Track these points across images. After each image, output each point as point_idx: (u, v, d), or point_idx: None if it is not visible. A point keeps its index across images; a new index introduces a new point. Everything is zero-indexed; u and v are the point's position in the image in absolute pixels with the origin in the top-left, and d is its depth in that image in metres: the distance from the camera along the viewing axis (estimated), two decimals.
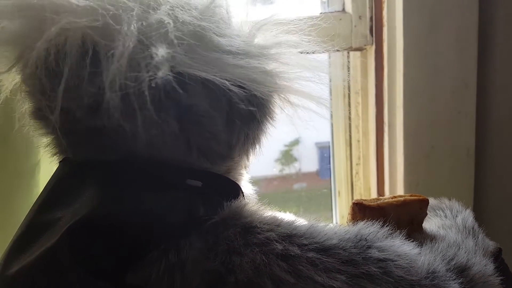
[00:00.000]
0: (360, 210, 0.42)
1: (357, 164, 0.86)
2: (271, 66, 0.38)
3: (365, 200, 0.43)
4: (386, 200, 0.43)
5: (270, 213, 0.37)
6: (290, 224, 0.36)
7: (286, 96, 0.40)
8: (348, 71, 0.84)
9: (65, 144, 0.37)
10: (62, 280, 0.32)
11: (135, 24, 0.33)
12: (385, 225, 0.37)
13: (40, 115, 0.38)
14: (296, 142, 2.04)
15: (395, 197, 0.44)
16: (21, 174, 0.52)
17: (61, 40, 0.33)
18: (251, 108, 0.38)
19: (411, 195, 0.45)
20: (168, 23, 0.33)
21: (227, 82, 0.34)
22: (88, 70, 0.33)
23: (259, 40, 0.39)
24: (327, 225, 0.37)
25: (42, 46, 0.33)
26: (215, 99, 0.36)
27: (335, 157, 0.90)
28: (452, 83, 0.69)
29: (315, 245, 0.34)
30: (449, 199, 0.51)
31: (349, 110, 0.86)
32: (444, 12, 0.67)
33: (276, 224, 0.35)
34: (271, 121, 0.41)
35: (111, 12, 0.33)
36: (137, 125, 0.33)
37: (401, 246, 0.36)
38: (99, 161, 0.37)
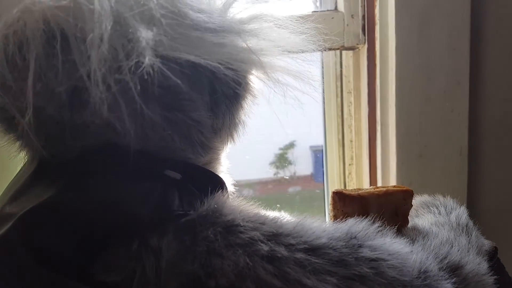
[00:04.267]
0: (340, 199, 0.41)
1: (349, 165, 0.85)
2: (251, 42, 0.36)
3: (346, 190, 0.42)
4: (367, 190, 0.42)
5: (253, 209, 0.35)
6: (275, 221, 0.33)
7: (270, 73, 0.38)
8: (341, 70, 0.83)
9: (35, 144, 0.34)
10: (11, 269, 0.30)
11: (107, 2, 0.30)
12: (372, 219, 0.36)
13: (2, 116, 0.35)
14: (291, 146, 2.03)
15: (377, 187, 0.44)
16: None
17: (21, 26, 0.30)
18: (236, 88, 0.37)
19: (394, 186, 0.45)
20: (140, 2, 0.31)
21: (211, 63, 0.32)
22: (60, 59, 0.30)
23: (234, 13, 0.37)
24: (315, 221, 0.35)
25: (0, 33, 0.30)
26: (196, 80, 0.35)
27: (328, 158, 0.89)
28: (444, 81, 0.69)
29: (303, 245, 0.32)
30: (444, 196, 0.50)
31: (342, 110, 0.85)
32: (436, 10, 0.67)
33: (260, 222, 0.33)
34: (252, 98, 0.40)
35: None
36: (123, 118, 0.31)
37: (392, 244, 0.35)
38: (70, 156, 0.34)
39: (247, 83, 0.39)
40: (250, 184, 1.99)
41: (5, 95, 0.32)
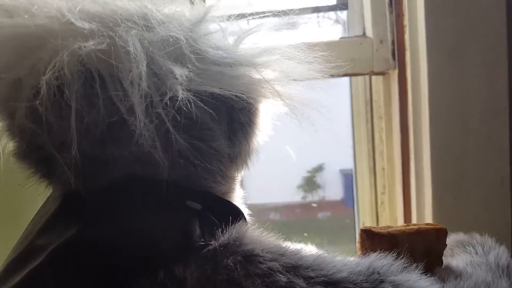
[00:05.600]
0: (369, 238, 0.39)
1: (382, 194, 0.82)
2: (264, 73, 0.38)
3: (375, 227, 0.40)
4: (397, 228, 0.40)
5: (274, 239, 0.35)
6: (295, 253, 0.33)
7: (283, 100, 0.40)
8: (371, 95, 0.81)
9: (63, 178, 0.35)
10: None
11: (139, 44, 0.32)
12: (399, 256, 0.34)
13: (37, 155, 0.36)
14: (319, 168, 1.99)
15: (408, 225, 0.41)
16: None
17: (59, 69, 0.32)
18: (252, 116, 0.40)
19: (426, 224, 0.42)
20: (171, 40, 0.34)
21: (231, 94, 0.35)
22: (101, 97, 0.32)
23: (246, 49, 0.40)
24: (336, 256, 0.35)
25: (47, 77, 0.32)
26: (216, 110, 0.36)
27: (359, 185, 0.86)
28: (481, 108, 0.65)
29: (323, 278, 0.32)
30: (481, 234, 0.47)
31: (372, 136, 0.82)
32: (470, 35, 0.64)
33: (280, 253, 0.33)
34: (261, 125, 0.42)
35: (116, 32, 0.32)
36: (157, 150, 0.33)
37: (417, 281, 0.33)
38: (95, 188, 0.35)
39: (259, 111, 0.41)
40: (277, 208, 1.96)
41: (46, 134, 0.34)
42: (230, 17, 0.41)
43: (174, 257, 0.32)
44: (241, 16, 0.42)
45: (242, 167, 0.42)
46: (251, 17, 0.42)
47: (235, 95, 0.36)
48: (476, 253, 0.45)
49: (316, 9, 0.80)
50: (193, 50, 0.35)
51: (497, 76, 0.64)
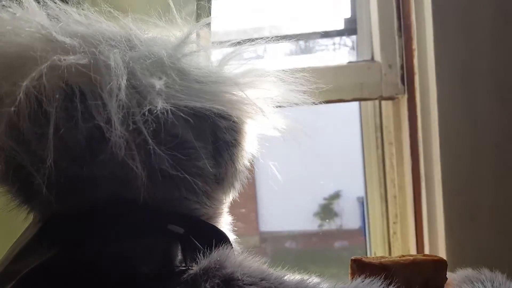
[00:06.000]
0: (359, 268, 0.36)
1: (394, 223, 0.79)
2: (248, 92, 0.38)
3: (367, 257, 0.37)
4: (391, 259, 0.37)
5: (258, 264, 0.34)
6: (277, 278, 0.32)
7: (267, 121, 0.39)
8: (381, 120, 0.79)
9: (43, 202, 0.35)
10: None
11: (120, 60, 0.32)
12: (390, 285, 0.32)
13: (16, 176, 0.35)
14: (336, 196, 1.95)
15: (403, 256, 0.38)
16: None
17: (43, 83, 0.32)
18: (236, 135, 0.39)
19: (424, 255, 0.39)
20: (152, 57, 0.34)
21: (212, 110, 0.35)
22: (79, 110, 0.31)
23: (230, 69, 0.40)
24: (322, 281, 0.33)
25: (25, 89, 0.31)
26: (200, 129, 0.36)
27: (370, 214, 0.83)
28: (495, 135, 0.62)
29: None
30: (496, 268, 0.43)
31: (383, 162, 0.80)
32: (480, 58, 0.62)
33: (261, 278, 0.32)
34: (247, 147, 0.41)
35: (97, 48, 0.32)
36: (136, 162, 0.32)
37: None
38: (75, 211, 0.34)
39: (245, 132, 0.40)
40: (292, 236, 1.92)
41: (24, 152, 0.33)
42: (239, 42, 0.41)
43: (153, 282, 0.30)
44: (250, 41, 0.42)
45: (229, 189, 0.41)
46: (261, 42, 0.42)
47: (220, 115, 0.36)
48: None
49: (326, 34, 0.80)
50: (175, 67, 0.35)
51: (510, 100, 0.62)
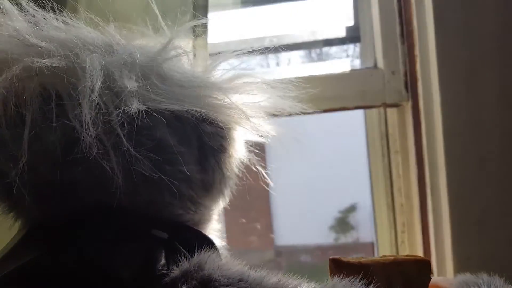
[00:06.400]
0: (337, 268, 0.35)
1: (402, 232, 0.77)
2: (234, 97, 0.37)
3: (345, 257, 0.37)
4: (371, 259, 0.36)
5: (240, 267, 0.33)
6: (255, 279, 0.32)
7: (253, 127, 0.38)
8: (386, 128, 0.78)
9: (26, 208, 0.34)
10: None
11: (97, 63, 0.32)
12: (369, 284, 0.32)
13: None
14: (352, 209, 1.92)
15: (385, 256, 0.37)
16: None
17: (20, 87, 0.32)
18: (222, 141, 0.38)
19: (406, 255, 0.38)
20: (130, 61, 0.34)
21: (194, 113, 0.34)
22: (55, 114, 0.31)
23: (217, 74, 0.40)
24: (301, 282, 0.32)
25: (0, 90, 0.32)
26: (183, 134, 0.35)
27: (377, 224, 0.81)
28: (500, 139, 0.61)
29: None
30: (489, 274, 0.42)
31: (390, 171, 0.79)
32: (484, 62, 0.61)
33: (239, 279, 0.31)
34: (237, 153, 0.41)
35: (73, 52, 0.33)
36: (112, 164, 0.32)
37: None
38: (57, 218, 0.34)
39: (232, 138, 0.40)
40: (308, 250, 1.89)
41: (1, 155, 0.33)
42: (240, 52, 0.40)
43: (133, 286, 0.31)
44: (252, 51, 0.42)
45: (219, 196, 0.41)
46: (264, 51, 0.42)
47: (204, 120, 0.36)
48: None
49: (328, 43, 0.80)
50: (155, 71, 0.35)
51: None
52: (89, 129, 0.31)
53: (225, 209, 0.45)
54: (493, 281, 0.41)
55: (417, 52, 0.68)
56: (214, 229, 0.42)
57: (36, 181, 0.33)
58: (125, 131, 0.32)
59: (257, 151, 0.44)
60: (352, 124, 0.94)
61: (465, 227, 0.61)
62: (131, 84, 0.32)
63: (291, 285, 0.32)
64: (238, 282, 0.31)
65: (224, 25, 0.68)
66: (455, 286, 0.43)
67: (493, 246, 0.60)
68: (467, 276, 0.44)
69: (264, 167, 0.43)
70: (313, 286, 0.32)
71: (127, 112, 0.31)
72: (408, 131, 0.72)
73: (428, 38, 0.65)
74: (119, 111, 0.32)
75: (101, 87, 0.32)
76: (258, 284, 0.31)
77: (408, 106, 0.71)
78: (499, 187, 0.60)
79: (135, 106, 0.31)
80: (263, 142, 0.41)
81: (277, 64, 0.98)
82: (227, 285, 0.31)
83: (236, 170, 0.42)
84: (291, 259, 1.90)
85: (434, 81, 0.65)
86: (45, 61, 0.32)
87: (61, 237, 0.33)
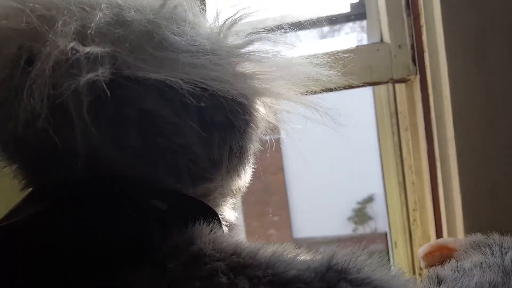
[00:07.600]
0: None
1: (413, 210, 0.75)
2: (245, 66, 0.34)
3: None
4: None
5: (236, 240, 0.31)
6: (250, 252, 0.30)
7: (266, 100, 0.36)
8: (395, 106, 0.77)
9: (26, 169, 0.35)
10: None
11: (71, 25, 0.30)
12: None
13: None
14: (369, 199, 1.89)
15: None
16: None
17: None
18: (229, 115, 0.34)
19: None
20: (108, 21, 0.31)
21: (180, 82, 0.30)
22: (32, 80, 0.29)
23: (231, 40, 0.36)
24: (300, 253, 0.31)
25: None
26: (179, 104, 0.32)
27: (389, 203, 0.80)
28: (510, 108, 0.58)
29: (269, 277, 0.28)
30: (501, 234, 0.40)
31: (400, 149, 0.77)
32: (492, 28, 0.59)
33: (232, 253, 0.30)
34: (256, 129, 0.37)
35: (38, 13, 0.30)
36: (78, 140, 0.30)
37: (388, 282, 0.28)
38: (53, 184, 0.34)
39: (242, 111, 0.35)
40: (327, 241, 1.87)
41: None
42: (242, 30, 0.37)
43: (125, 261, 0.29)
44: (256, 31, 0.38)
45: (232, 173, 0.37)
46: (268, 30, 0.38)
47: (200, 87, 0.32)
48: (492, 253, 0.39)
49: (333, 21, 0.79)
50: (136, 34, 0.31)
51: None
52: (37, 101, 0.29)
53: (243, 203, 0.42)
54: (505, 241, 0.39)
55: (422, 22, 0.66)
56: (228, 200, 0.40)
57: (27, 147, 0.33)
58: (90, 100, 0.29)
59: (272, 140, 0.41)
60: (361, 104, 0.92)
61: (476, 198, 0.59)
62: (96, 49, 0.29)
63: (289, 256, 0.30)
64: (230, 256, 0.29)
65: (226, 8, 0.67)
66: (465, 246, 0.42)
67: (504, 215, 0.58)
68: (477, 237, 0.42)
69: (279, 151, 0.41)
70: (312, 257, 0.30)
71: (95, 79, 0.28)
72: (417, 107, 0.71)
73: (434, 5, 0.64)
74: (86, 79, 0.28)
75: (63, 52, 0.29)
76: (252, 257, 0.29)
77: (416, 81, 0.69)
78: (510, 155, 0.58)
79: (101, 73, 0.28)
80: (278, 138, 0.38)
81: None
82: (218, 260, 0.29)
83: (251, 146, 0.38)
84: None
85: (441, 51, 0.63)
86: (3, 23, 0.30)
87: (57, 201, 0.33)
